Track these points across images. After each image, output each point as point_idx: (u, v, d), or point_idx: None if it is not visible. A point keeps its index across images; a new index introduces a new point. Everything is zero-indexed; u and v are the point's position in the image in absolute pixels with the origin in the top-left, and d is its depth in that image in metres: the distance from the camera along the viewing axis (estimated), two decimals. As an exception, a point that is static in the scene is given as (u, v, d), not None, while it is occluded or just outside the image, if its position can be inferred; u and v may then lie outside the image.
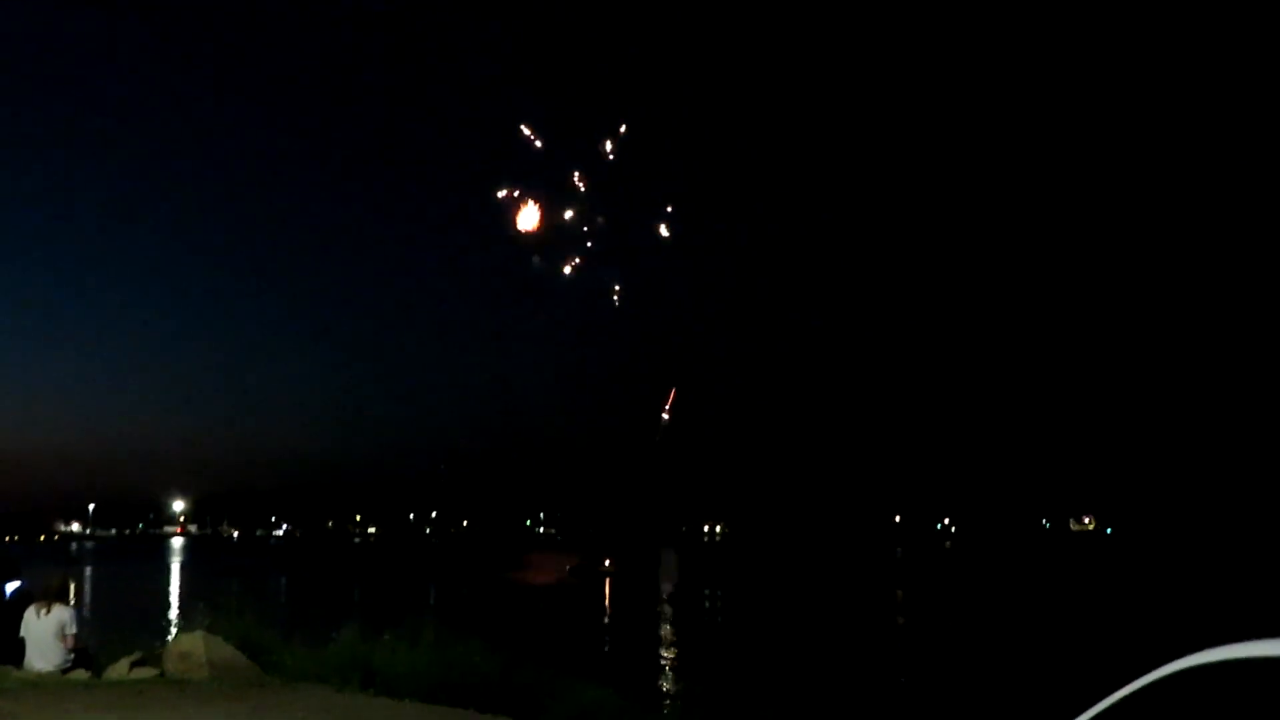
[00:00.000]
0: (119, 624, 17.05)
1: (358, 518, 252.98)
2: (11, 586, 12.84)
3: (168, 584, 78.01)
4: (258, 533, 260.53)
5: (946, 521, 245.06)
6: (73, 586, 13.64)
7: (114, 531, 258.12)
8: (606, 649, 37.84)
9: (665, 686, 11.65)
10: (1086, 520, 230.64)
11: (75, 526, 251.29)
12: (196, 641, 12.22)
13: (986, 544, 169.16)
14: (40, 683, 11.25)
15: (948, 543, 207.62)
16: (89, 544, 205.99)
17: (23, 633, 11.89)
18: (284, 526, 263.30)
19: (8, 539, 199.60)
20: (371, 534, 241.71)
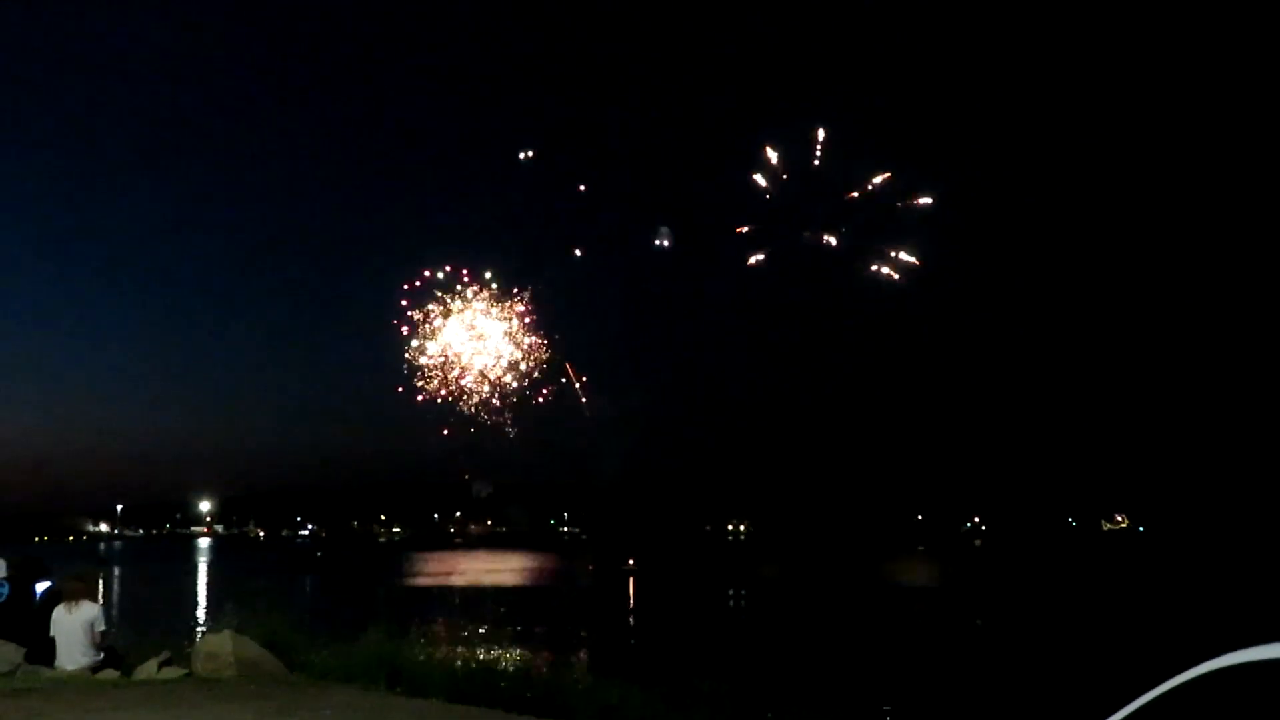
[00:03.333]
0: (147, 624, 17.20)
1: (382, 517, 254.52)
2: (41, 587, 12.95)
3: (195, 584, 78.55)
4: (283, 533, 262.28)
5: (976, 520, 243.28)
6: (100, 585, 13.72)
7: (141, 532, 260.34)
8: (631, 647, 37.81)
9: (690, 685, 11.58)
10: (1119, 518, 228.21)
11: (103, 527, 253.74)
12: (224, 641, 12.27)
13: (1016, 543, 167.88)
14: (71, 681, 11.34)
15: (977, 541, 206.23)
16: (117, 544, 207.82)
17: (53, 631, 11.97)
18: (310, 527, 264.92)
19: (36, 540, 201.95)
20: (397, 533, 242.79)
